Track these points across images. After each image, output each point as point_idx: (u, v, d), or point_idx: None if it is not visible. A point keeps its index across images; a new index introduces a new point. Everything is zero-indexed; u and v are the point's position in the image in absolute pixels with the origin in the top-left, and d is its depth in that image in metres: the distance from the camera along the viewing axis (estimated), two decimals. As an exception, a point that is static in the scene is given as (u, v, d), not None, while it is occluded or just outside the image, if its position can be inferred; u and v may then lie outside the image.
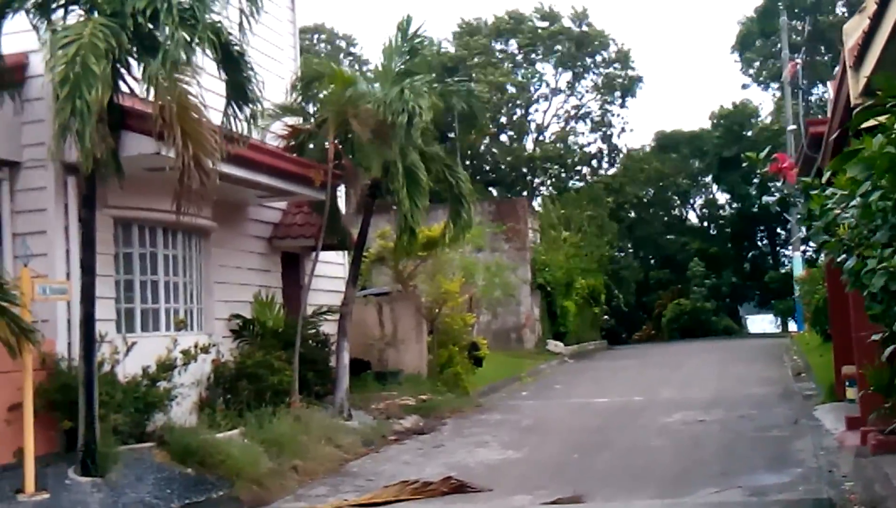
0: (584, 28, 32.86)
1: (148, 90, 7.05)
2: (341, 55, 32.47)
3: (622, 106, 34.08)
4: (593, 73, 33.70)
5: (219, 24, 7.21)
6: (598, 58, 33.47)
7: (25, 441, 6.50)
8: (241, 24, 7.32)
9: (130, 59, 7.13)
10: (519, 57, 32.93)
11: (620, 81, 33.49)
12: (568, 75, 33.63)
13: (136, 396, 7.73)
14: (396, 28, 11.19)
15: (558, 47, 32.29)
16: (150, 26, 7.12)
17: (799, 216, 3.85)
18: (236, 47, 7.57)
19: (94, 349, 7.04)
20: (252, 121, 7.79)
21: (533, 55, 32.63)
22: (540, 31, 32.24)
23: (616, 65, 33.50)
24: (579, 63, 33.30)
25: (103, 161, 6.92)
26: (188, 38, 6.77)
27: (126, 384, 7.77)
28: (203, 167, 6.80)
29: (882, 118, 3.31)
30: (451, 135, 17.42)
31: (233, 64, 7.60)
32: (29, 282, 6.67)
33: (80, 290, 7.11)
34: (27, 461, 6.47)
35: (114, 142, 7.16)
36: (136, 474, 7.08)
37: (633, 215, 33.85)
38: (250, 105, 7.70)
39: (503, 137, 33.37)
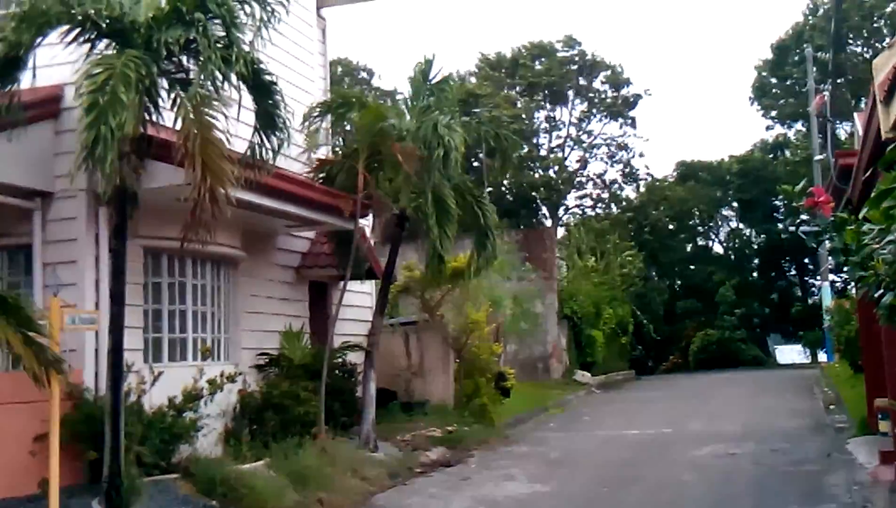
0: (575, 51, 33.08)
1: (175, 121, 7.17)
2: (362, 86, 32.96)
3: (632, 124, 33.94)
4: (596, 96, 33.79)
5: (249, 53, 7.34)
6: (598, 80, 33.57)
7: (51, 473, 6.50)
8: (259, 27, 7.27)
9: (160, 91, 7.24)
10: (526, 91, 33.17)
11: (620, 99, 33.50)
12: (577, 103, 33.86)
13: (162, 426, 7.73)
14: (417, 67, 11.38)
15: (558, 78, 32.49)
16: (182, 57, 7.27)
17: (831, 248, 3.78)
18: (267, 77, 7.69)
19: (122, 380, 7.05)
20: (279, 149, 7.86)
21: (538, 91, 32.82)
22: (540, 68, 32.53)
23: (615, 86, 33.59)
24: (584, 90, 33.46)
25: (132, 191, 7.03)
26: (223, 66, 6.88)
27: (152, 415, 7.78)
28: (217, 199, 6.84)
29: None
30: (476, 164, 17.50)
31: (262, 92, 7.71)
32: (58, 312, 6.75)
33: (109, 320, 7.14)
34: (52, 492, 6.46)
35: (142, 172, 7.26)
36: (160, 506, 7.04)
37: (656, 241, 33.58)
38: (278, 134, 7.78)
39: (523, 168, 33.54)
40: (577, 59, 33.14)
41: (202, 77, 6.86)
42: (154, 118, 7.32)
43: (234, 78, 7.11)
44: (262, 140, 7.74)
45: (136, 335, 8.32)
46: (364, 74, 34.72)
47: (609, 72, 33.45)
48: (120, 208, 7.20)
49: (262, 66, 7.56)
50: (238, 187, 7.22)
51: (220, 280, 9.91)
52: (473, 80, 32.50)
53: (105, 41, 7.29)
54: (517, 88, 33.08)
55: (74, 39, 7.27)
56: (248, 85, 7.51)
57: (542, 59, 32.79)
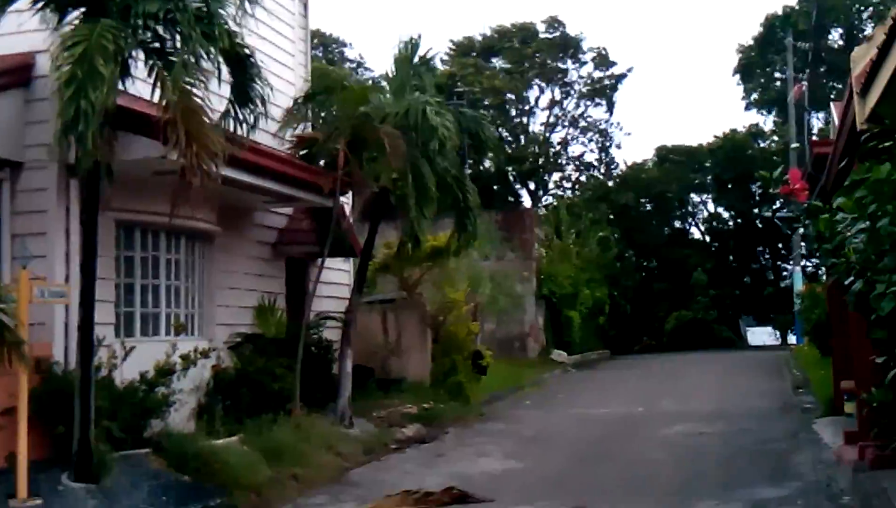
0: (559, 32, 32.97)
1: (153, 92, 7.04)
2: (336, 58, 32.55)
3: (609, 109, 34.04)
4: (578, 79, 33.87)
5: (227, 25, 7.21)
6: (581, 63, 33.60)
7: (19, 446, 6.42)
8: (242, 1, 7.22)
9: (136, 62, 7.11)
10: (509, 70, 32.99)
11: (605, 82, 33.49)
12: (556, 86, 33.80)
13: (133, 401, 7.66)
14: (402, 47, 11.28)
15: (541, 60, 32.37)
16: (160, 29, 7.13)
17: (803, 232, 3.87)
18: (245, 49, 7.56)
19: (92, 354, 6.98)
20: (254, 124, 7.75)
21: (521, 72, 32.68)
22: (523, 49, 32.38)
23: (602, 68, 33.62)
24: (563, 73, 33.38)
25: (105, 163, 6.90)
26: (205, 42, 6.77)
27: (123, 390, 7.70)
28: (205, 168, 6.78)
29: (888, 143, 3.34)
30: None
31: (239, 66, 7.58)
32: (27, 284, 6.62)
33: (80, 293, 7.06)
34: (20, 466, 6.39)
35: (115, 145, 7.14)
36: (131, 480, 7.00)
37: (632, 223, 33.82)
38: (252, 108, 7.65)
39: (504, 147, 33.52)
40: (559, 41, 33.01)
41: (184, 53, 6.74)
42: (127, 89, 7.19)
43: (217, 50, 7.01)
44: (236, 114, 7.64)
45: (108, 310, 8.20)
46: (339, 48, 34.28)
47: (594, 53, 33.44)
48: (92, 181, 7.08)
49: (238, 39, 7.43)
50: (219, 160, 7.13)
51: (194, 255, 9.80)
52: (447, 66, 32.17)
53: (78, 10, 7.10)
54: (498, 67, 32.85)
55: (45, 6, 7.08)
56: (226, 59, 7.38)
57: (528, 42, 32.56)
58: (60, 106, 6.29)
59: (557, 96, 33.91)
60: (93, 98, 6.23)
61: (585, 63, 33.61)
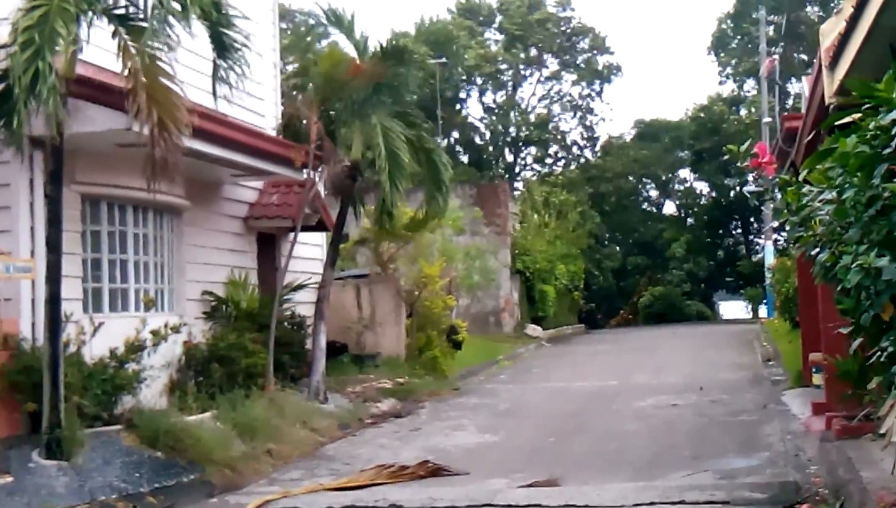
0: (569, 13, 33.03)
1: (117, 59, 6.85)
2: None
3: (599, 94, 34.38)
4: (575, 60, 33.85)
5: None
6: (580, 45, 33.72)
7: (-12, 424, 6.36)
8: None
9: (98, 28, 6.92)
10: (507, 41, 32.86)
11: (599, 68, 33.68)
12: (553, 61, 33.74)
13: (104, 378, 7.57)
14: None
15: (544, 34, 32.37)
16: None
17: (774, 208, 3.90)
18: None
19: (60, 330, 6.87)
20: (241, 76, 7.59)
21: (520, 43, 32.57)
22: (530, 18, 32.27)
23: (595, 52, 33.69)
24: (563, 51, 33.37)
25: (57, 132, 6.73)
26: (179, 12, 6.62)
27: (93, 366, 7.61)
28: (169, 133, 6.61)
29: (856, 116, 3.36)
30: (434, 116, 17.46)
31: (215, 22, 7.42)
32: (-8, 260, 6.49)
33: (46, 269, 6.93)
34: (-11, 443, 6.33)
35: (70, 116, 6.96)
36: (103, 457, 6.95)
37: (612, 201, 33.97)
38: (236, 60, 7.51)
39: (487, 117, 33.43)
40: (562, 24, 32.92)
41: (155, 24, 6.58)
42: (90, 58, 6.99)
43: (194, 13, 6.84)
44: (224, 66, 7.47)
45: (75, 285, 8.06)
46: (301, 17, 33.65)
47: (594, 36, 33.34)
48: (56, 153, 6.91)
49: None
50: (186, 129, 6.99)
51: (162, 229, 9.65)
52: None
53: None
54: (494, 35, 32.64)
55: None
56: (205, 19, 7.21)
57: (533, 10, 32.37)
58: (19, 69, 6.11)
59: (546, 74, 33.87)
60: (51, 60, 6.08)
61: (584, 49, 33.51)
